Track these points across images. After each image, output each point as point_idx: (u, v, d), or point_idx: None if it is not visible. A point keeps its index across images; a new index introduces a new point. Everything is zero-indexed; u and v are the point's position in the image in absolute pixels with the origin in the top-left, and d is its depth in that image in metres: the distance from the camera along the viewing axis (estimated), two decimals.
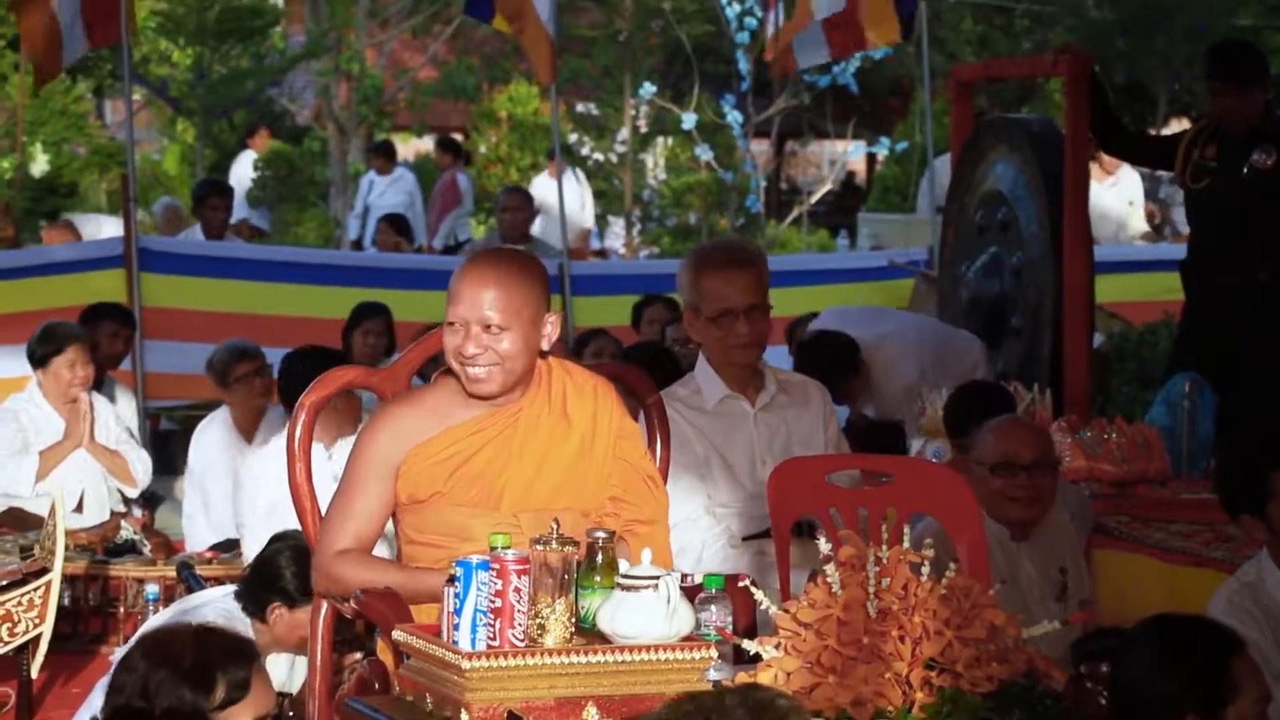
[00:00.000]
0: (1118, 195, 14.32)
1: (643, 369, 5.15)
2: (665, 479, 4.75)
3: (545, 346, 4.46)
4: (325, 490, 4.60)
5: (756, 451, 5.60)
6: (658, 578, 3.89)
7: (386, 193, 16.85)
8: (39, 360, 8.25)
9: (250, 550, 6.89)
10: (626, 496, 4.48)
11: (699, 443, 5.59)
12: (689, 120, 19.73)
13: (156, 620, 5.83)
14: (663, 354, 8.18)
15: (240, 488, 7.36)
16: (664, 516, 4.56)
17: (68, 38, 10.17)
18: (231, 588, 5.95)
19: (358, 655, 5.43)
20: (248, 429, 8.32)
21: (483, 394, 4.41)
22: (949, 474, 5.26)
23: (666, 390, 5.67)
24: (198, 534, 8.23)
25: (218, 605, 5.79)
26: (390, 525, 4.55)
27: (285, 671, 5.93)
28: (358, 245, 16.61)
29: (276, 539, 5.94)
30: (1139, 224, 14.27)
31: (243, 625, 5.69)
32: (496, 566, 3.86)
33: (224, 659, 4.03)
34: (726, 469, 5.62)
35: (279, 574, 5.77)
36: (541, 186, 15.88)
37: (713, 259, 5.60)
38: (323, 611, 4.59)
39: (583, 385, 4.51)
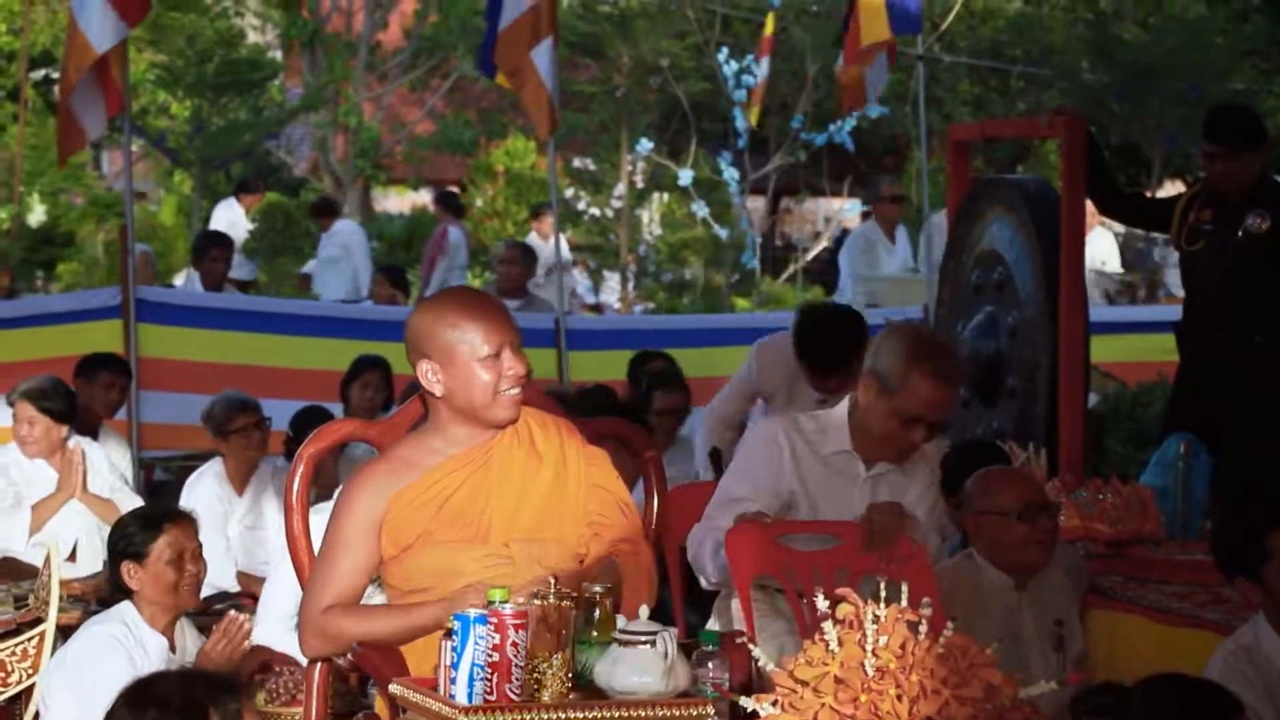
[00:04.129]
0: (1088, 255, 14.34)
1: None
2: (653, 535, 4.78)
3: None
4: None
5: (855, 515, 5.52)
6: (655, 633, 3.90)
7: (327, 246, 16.84)
8: None
9: (273, 588, 6.82)
10: (605, 522, 4.51)
11: (793, 483, 5.57)
12: (685, 176, 19.78)
13: (61, 654, 5.75)
14: (610, 398, 8.07)
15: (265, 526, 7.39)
16: (642, 539, 4.59)
17: (88, 118, 10.28)
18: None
19: None
20: (240, 481, 8.31)
21: (515, 418, 4.46)
22: (905, 539, 5.33)
23: (792, 416, 5.66)
24: None
25: (99, 618, 5.75)
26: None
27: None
28: None
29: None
30: (1109, 283, 14.29)
31: (130, 617, 5.66)
32: (494, 620, 3.86)
33: (213, 693, 3.86)
34: (813, 516, 5.57)
35: (121, 538, 5.75)
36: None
37: None
38: (317, 669, 4.58)
39: (545, 421, 4.57)
